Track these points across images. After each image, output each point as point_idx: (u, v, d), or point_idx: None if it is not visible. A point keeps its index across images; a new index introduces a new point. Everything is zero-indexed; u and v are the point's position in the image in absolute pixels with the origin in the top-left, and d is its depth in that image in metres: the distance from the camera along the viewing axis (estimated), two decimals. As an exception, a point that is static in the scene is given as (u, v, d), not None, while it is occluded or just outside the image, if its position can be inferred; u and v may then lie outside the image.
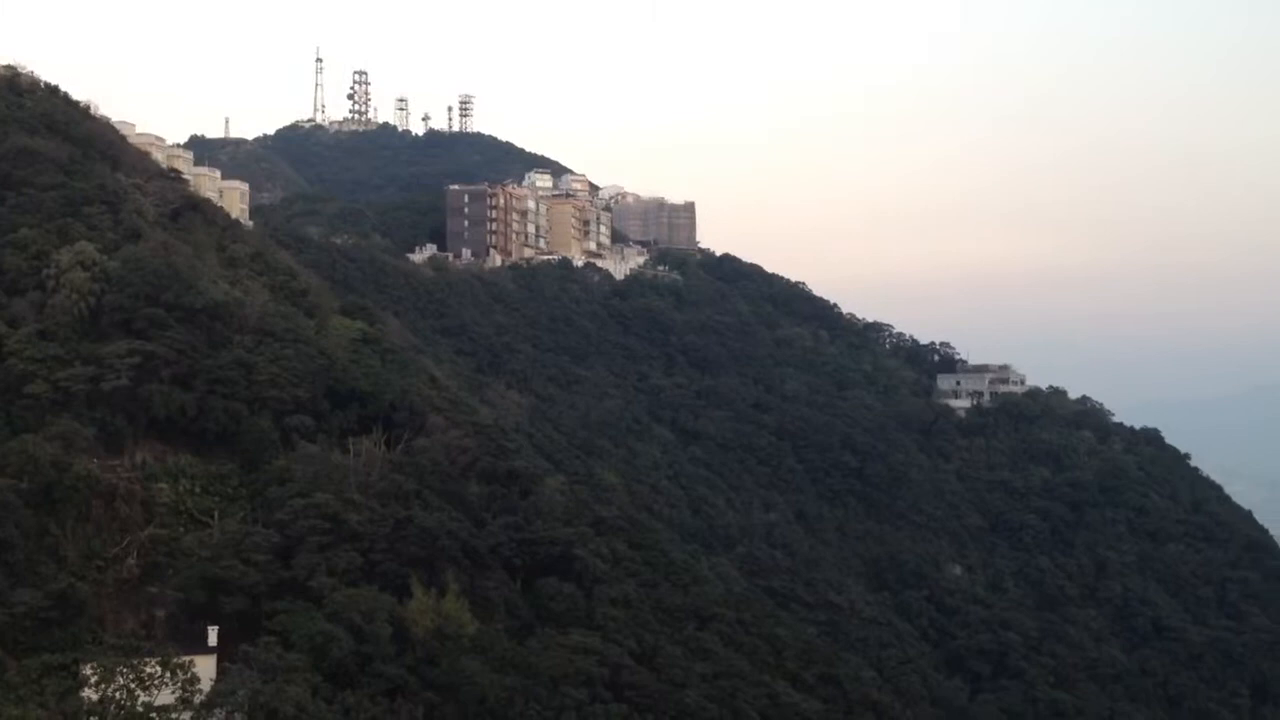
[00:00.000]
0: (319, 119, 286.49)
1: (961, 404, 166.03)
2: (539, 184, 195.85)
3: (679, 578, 74.45)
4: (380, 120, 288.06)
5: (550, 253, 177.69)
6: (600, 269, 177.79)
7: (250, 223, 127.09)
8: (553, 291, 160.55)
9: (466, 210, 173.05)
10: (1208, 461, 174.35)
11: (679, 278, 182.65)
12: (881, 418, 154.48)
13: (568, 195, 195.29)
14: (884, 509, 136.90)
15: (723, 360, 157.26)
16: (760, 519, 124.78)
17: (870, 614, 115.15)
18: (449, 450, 69.98)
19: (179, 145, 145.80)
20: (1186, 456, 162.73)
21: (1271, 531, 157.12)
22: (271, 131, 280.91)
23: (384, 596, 54.06)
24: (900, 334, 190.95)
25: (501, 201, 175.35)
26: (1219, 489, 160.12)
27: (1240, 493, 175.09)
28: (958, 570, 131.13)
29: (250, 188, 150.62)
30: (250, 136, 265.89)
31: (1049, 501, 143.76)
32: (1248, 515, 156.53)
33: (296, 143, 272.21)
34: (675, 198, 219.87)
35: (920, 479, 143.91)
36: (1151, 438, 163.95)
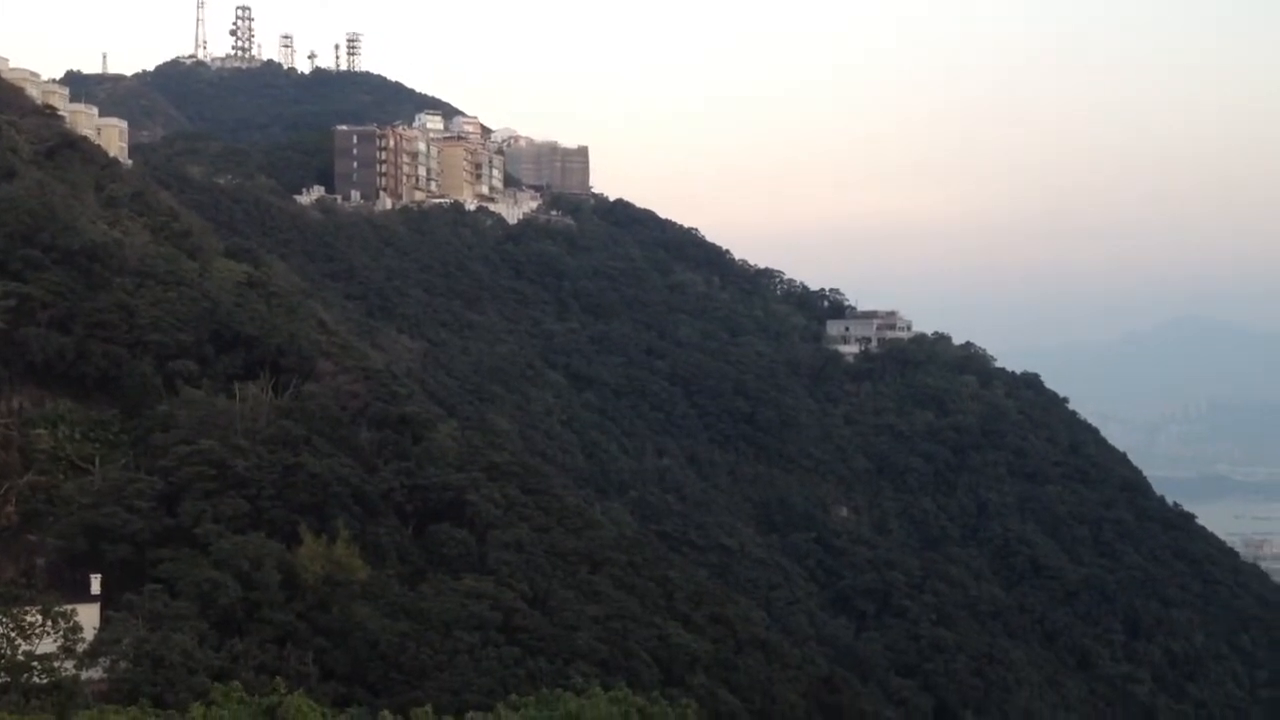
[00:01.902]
0: (201, 56, 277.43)
1: (850, 350, 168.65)
2: (430, 126, 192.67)
3: (572, 522, 74.73)
4: (264, 58, 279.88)
5: (442, 196, 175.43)
6: (493, 213, 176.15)
7: (129, 162, 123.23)
8: (444, 235, 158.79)
9: (355, 152, 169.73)
10: (1085, 406, 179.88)
11: (572, 222, 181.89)
12: (772, 363, 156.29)
13: (459, 138, 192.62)
14: (774, 453, 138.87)
15: (616, 306, 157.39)
16: (653, 464, 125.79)
17: (760, 556, 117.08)
18: (339, 396, 69.18)
19: (54, 81, 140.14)
20: (1064, 401, 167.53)
21: (1144, 473, 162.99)
22: (151, 68, 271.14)
23: (272, 543, 53.49)
24: (791, 280, 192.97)
25: (391, 143, 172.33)
26: (1095, 432, 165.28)
27: (1115, 435, 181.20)
28: (844, 512, 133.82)
29: (129, 126, 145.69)
30: (129, 73, 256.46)
31: (933, 445, 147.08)
32: (1122, 457, 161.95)
33: (177, 80, 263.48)
34: (568, 142, 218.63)
35: (809, 423, 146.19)
36: (1031, 382, 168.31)
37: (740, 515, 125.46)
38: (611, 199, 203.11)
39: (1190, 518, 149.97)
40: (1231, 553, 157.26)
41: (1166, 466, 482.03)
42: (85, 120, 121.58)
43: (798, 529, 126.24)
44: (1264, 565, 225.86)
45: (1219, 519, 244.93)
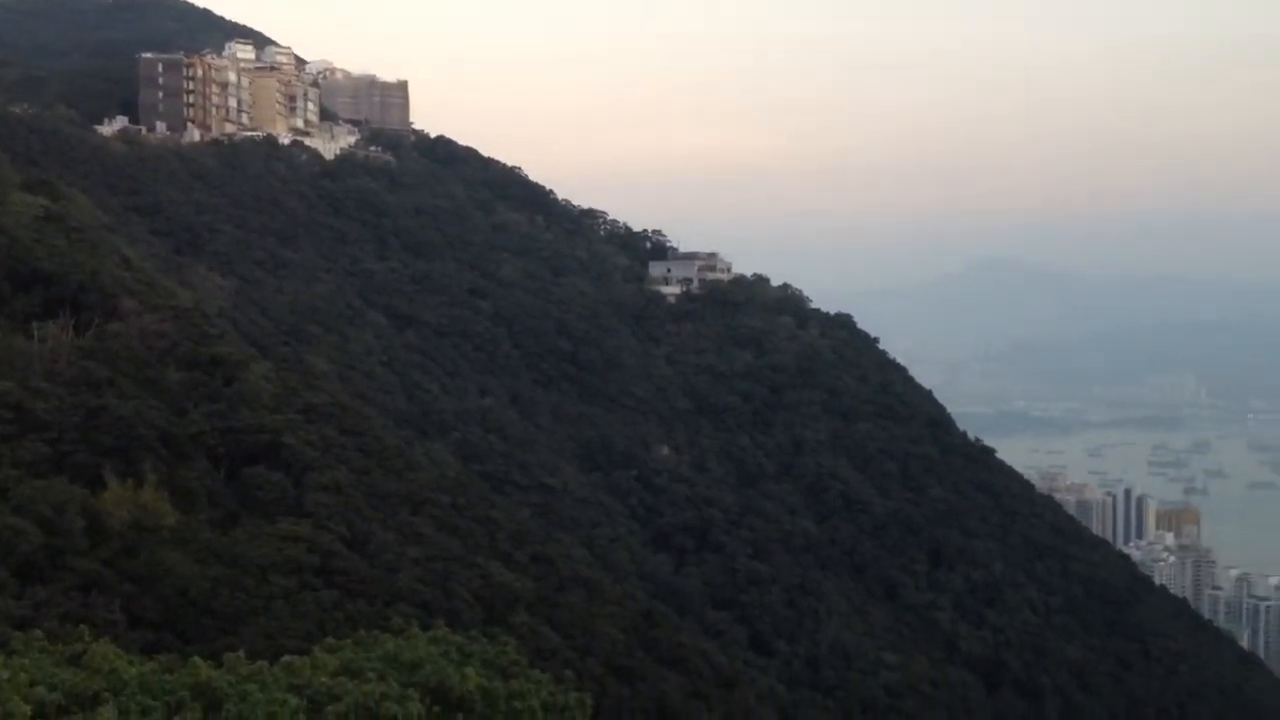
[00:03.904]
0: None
1: (672, 290, 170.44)
2: (240, 55, 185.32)
3: (392, 463, 74.00)
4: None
5: (254, 129, 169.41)
6: (308, 148, 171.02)
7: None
8: (257, 170, 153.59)
9: (161, 81, 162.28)
10: (894, 345, 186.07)
11: (392, 159, 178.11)
12: (595, 303, 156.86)
13: (272, 68, 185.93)
14: (597, 393, 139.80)
15: (438, 244, 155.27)
16: (475, 404, 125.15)
17: (582, 494, 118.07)
18: (145, 335, 66.68)
19: None
20: (875, 341, 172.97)
21: (948, 410, 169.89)
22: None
23: (75, 489, 51.58)
24: (614, 221, 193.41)
25: (199, 72, 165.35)
26: (903, 371, 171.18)
27: (922, 374, 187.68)
28: (665, 451, 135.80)
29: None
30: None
31: (751, 384, 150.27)
32: (928, 395, 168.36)
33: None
34: (387, 76, 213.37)
35: (632, 363, 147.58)
36: (844, 323, 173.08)
37: (563, 454, 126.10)
38: (433, 136, 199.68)
39: (990, 452, 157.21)
40: (1028, 485, 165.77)
41: (969, 403, 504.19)
42: None
43: (619, 467, 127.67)
44: (1058, 496, 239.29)
45: (1017, 453, 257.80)
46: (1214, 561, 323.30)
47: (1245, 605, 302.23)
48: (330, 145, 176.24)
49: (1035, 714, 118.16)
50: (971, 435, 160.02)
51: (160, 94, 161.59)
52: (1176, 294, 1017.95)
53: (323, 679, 26.16)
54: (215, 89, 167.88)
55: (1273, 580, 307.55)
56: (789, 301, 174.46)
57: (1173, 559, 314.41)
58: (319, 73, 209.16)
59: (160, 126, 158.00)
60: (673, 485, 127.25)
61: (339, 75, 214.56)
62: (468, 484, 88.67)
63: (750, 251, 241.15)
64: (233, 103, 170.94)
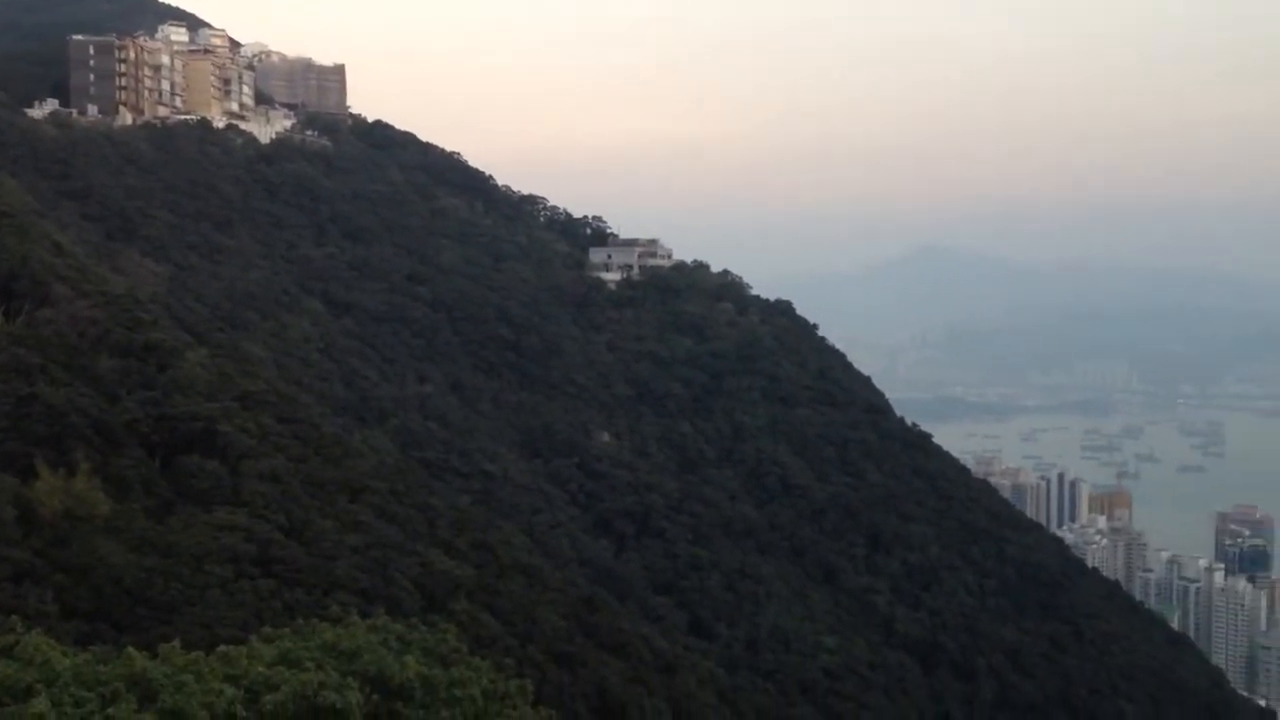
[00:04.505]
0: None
1: (612, 277, 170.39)
2: (174, 38, 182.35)
3: (330, 451, 73.41)
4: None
5: (188, 113, 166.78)
6: (243, 132, 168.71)
7: None
8: (191, 154, 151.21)
9: (93, 64, 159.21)
10: (833, 332, 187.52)
11: (329, 144, 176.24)
12: (536, 290, 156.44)
13: (206, 51, 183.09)
14: (538, 380, 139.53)
15: (376, 230, 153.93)
16: (415, 391, 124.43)
17: (523, 481, 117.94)
18: (77, 322, 65.61)
19: None
20: (815, 327, 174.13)
21: (886, 395, 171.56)
22: None
23: (6, 478, 50.75)
24: (554, 207, 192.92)
25: (132, 55, 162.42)
26: (842, 357, 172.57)
27: (861, 360, 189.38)
28: (606, 437, 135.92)
29: None
30: None
31: (692, 370, 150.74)
32: (867, 381, 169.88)
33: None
34: (324, 59, 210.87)
35: (573, 350, 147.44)
36: (784, 309, 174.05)
37: (503, 441, 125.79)
38: (370, 120, 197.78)
39: (927, 437, 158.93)
40: (964, 470, 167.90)
41: (907, 389, 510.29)
42: None
43: (560, 454, 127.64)
44: (993, 481, 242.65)
45: (953, 438, 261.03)
46: (1145, 544, 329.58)
47: (1175, 587, 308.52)
48: (266, 129, 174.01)
49: (971, 695, 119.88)
50: (909, 421, 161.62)
51: (92, 77, 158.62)
52: (1110, 282, 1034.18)
53: (260, 669, 25.93)
54: (148, 72, 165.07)
55: (1202, 562, 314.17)
56: (729, 288, 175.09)
57: (1105, 542, 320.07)
58: (254, 55, 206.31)
59: (92, 110, 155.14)
60: (613, 471, 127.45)
61: (274, 58, 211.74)
62: (407, 471, 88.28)
63: (691, 238, 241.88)
64: (166, 86, 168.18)
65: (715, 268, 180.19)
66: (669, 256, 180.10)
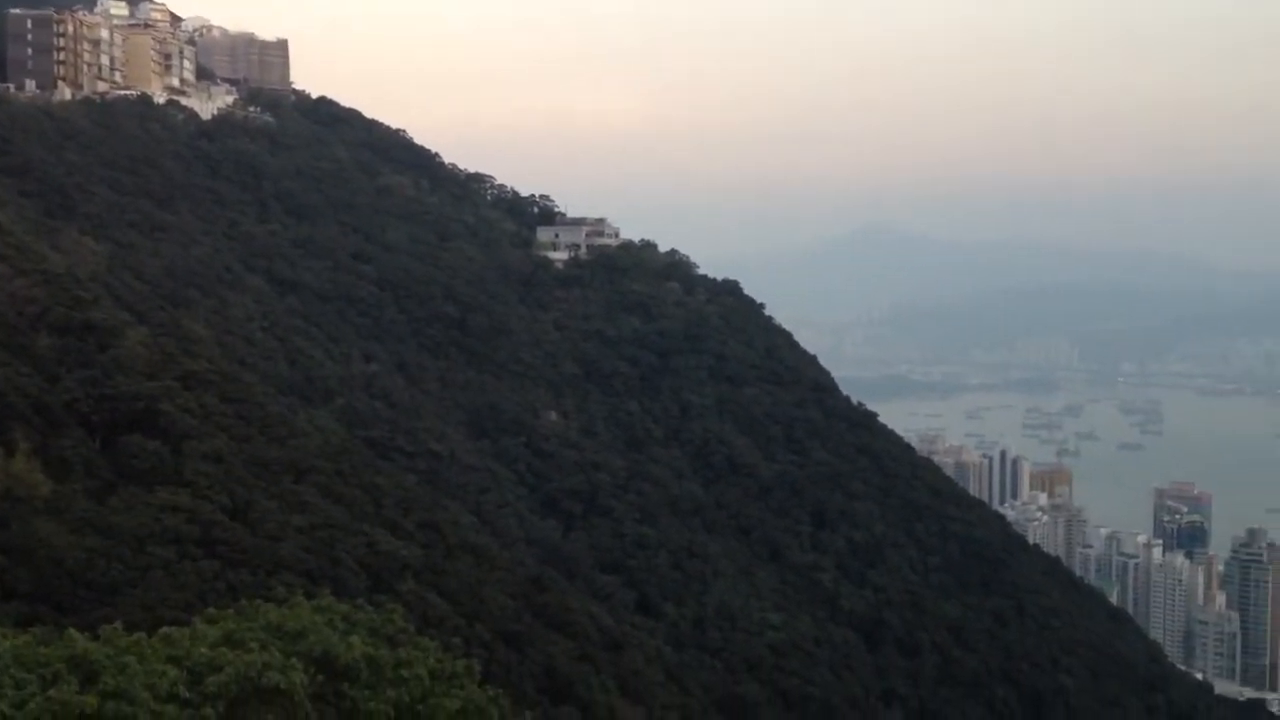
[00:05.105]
0: None
1: (560, 256, 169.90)
2: (114, 12, 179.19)
3: (274, 431, 72.86)
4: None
5: (128, 88, 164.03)
6: (185, 107, 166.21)
7: None
8: (131, 130, 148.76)
9: (30, 38, 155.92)
10: (779, 311, 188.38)
11: (272, 120, 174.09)
12: (483, 269, 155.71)
13: (146, 25, 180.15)
14: (484, 359, 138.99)
15: (321, 208, 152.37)
16: (360, 370, 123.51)
17: (470, 461, 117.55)
18: (15, 301, 64.60)
19: None
20: (761, 306, 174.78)
21: (832, 374, 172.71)
22: None
23: (-58, 459, 49.84)
24: (501, 186, 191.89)
25: (71, 29, 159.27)
26: (789, 336, 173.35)
27: (806, 339, 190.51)
28: (554, 416, 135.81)
29: None
30: None
31: (639, 350, 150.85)
32: (813, 359, 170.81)
33: None
34: (266, 34, 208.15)
35: (520, 329, 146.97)
36: (731, 289, 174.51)
37: (450, 421, 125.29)
38: (314, 96, 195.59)
39: (873, 416, 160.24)
40: (908, 448, 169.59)
41: (852, 367, 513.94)
42: None
43: (508, 434, 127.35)
44: (937, 459, 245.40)
45: (897, 416, 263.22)
46: (1085, 521, 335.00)
47: (1114, 563, 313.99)
48: (207, 105, 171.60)
49: (914, 670, 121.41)
50: (854, 399, 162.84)
51: (29, 51, 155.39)
52: (1052, 261, 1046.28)
53: (203, 650, 25.76)
54: (87, 46, 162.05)
55: (1140, 539, 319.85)
56: (676, 267, 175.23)
57: (1046, 519, 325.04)
58: (195, 30, 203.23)
59: (30, 85, 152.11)
60: (561, 451, 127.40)
61: (216, 33, 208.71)
62: (353, 451, 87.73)
63: (638, 217, 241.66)
64: (105, 60, 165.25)
65: (662, 247, 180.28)
66: (616, 236, 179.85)
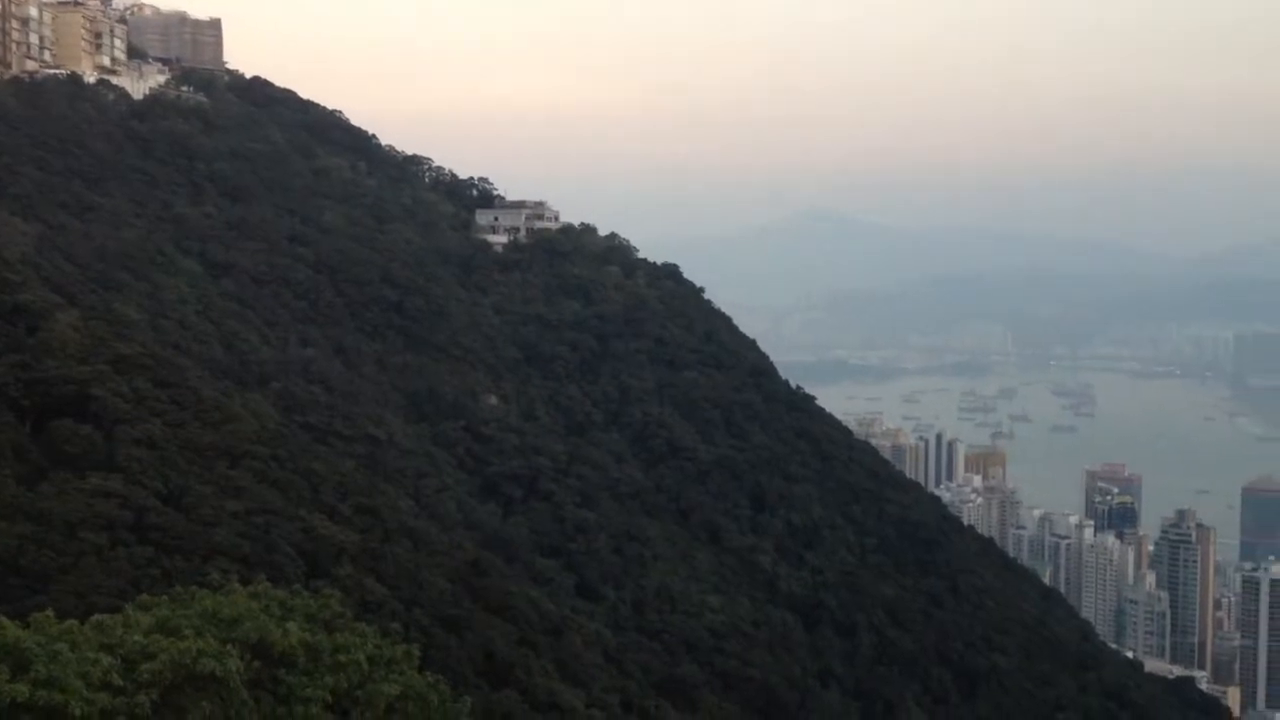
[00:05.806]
0: None
1: (499, 239, 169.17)
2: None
3: (209, 416, 71.92)
4: None
5: (57, 67, 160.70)
6: (115, 87, 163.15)
7: None
8: (61, 110, 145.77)
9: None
10: (719, 295, 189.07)
11: (205, 100, 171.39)
12: (421, 252, 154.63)
13: (76, 4, 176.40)
14: (423, 342, 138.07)
15: (255, 190, 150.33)
16: (297, 354, 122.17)
17: (409, 445, 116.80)
18: (-61, 283, 63.11)
19: None
20: (701, 290, 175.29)
21: (771, 358, 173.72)
22: None
23: None
24: (440, 168, 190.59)
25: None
26: (728, 320, 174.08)
27: (746, 323, 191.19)
28: (494, 400, 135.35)
29: None
30: None
31: (579, 333, 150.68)
32: (752, 344, 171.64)
33: None
34: (199, 13, 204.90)
35: (459, 313, 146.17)
36: (671, 273, 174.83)
37: (389, 405, 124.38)
38: (249, 76, 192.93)
39: (811, 399, 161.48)
40: (846, 431, 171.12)
41: (791, 352, 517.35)
42: None
43: (447, 418, 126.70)
44: (874, 442, 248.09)
45: (836, 400, 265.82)
46: (1018, 502, 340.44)
47: (1047, 543, 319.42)
48: (139, 85, 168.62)
49: (851, 650, 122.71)
50: (793, 383, 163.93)
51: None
52: (986, 247, 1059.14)
53: (136, 637, 25.49)
54: (15, 25, 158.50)
55: (1072, 519, 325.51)
56: (616, 251, 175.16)
57: (980, 500, 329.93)
58: (126, 8, 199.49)
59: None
60: (501, 435, 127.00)
61: (147, 11, 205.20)
62: (289, 436, 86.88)
63: (577, 200, 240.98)
64: (34, 39, 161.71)
65: (602, 231, 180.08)
66: (556, 219, 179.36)
